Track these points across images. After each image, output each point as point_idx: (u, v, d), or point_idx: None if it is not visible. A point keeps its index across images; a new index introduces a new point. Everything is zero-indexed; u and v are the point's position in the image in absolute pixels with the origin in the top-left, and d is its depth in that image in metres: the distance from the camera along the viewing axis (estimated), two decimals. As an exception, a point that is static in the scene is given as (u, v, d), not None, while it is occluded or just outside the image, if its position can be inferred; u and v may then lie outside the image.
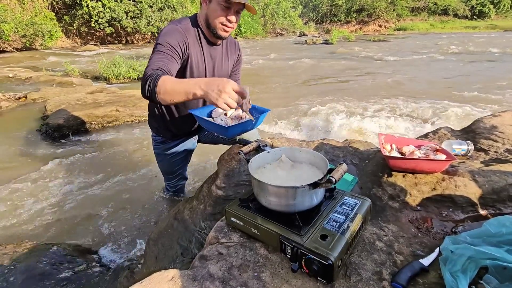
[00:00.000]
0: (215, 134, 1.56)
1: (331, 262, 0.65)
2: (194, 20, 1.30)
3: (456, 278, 0.65)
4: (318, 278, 0.69)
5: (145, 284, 0.66)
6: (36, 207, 1.92)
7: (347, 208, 0.81)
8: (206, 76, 1.36)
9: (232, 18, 1.21)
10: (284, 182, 0.84)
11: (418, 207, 1.01)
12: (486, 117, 1.59)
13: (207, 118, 1.23)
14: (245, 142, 1.31)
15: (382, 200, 1.03)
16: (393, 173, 1.13)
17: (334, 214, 0.79)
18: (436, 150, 1.18)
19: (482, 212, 0.98)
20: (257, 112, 1.31)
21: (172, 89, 0.98)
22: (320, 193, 0.79)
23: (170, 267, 1.03)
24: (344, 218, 0.77)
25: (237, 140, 1.32)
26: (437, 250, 0.80)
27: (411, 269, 0.72)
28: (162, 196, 1.98)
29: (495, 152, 1.31)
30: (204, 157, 2.54)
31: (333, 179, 0.69)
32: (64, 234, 1.64)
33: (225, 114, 1.33)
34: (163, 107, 1.42)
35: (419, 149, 1.22)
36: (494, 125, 1.46)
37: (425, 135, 1.61)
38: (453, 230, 0.91)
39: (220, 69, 1.42)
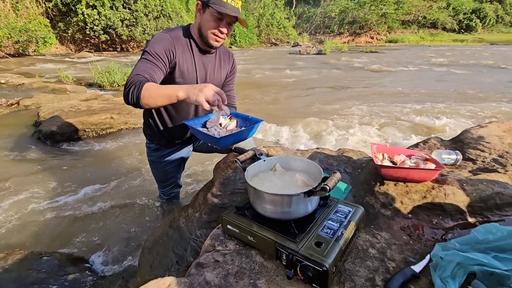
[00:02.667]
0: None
1: (325, 269, 0.66)
2: (186, 29, 1.34)
3: (446, 284, 0.67)
4: (313, 284, 0.70)
5: (142, 291, 0.66)
6: (27, 215, 1.89)
7: (340, 215, 0.84)
8: (197, 83, 1.38)
9: (224, 29, 1.25)
10: (279, 190, 0.86)
11: (409, 215, 1.03)
12: (474, 128, 1.65)
13: (199, 128, 1.25)
14: (241, 151, 1.33)
15: (374, 208, 1.06)
16: (385, 181, 1.16)
17: (328, 221, 0.81)
18: (426, 160, 1.22)
19: (471, 219, 1.01)
20: (251, 122, 1.34)
21: (156, 93, 1.07)
22: (314, 200, 0.82)
23: (165, 275, 1.02)
24: (338, 225, 0.79)
25: (233, 148, 1.34)
26: (427, 256, 0.82)
27: (403, 276, 0.74)
28: (156, 203, 1.97)
29: (482, 161, 1.36)
30: (198, 165, 2.55)
31: (327, 187, 0.71)
32: (55, 243, 1.61)
33: (220, 124, 1.36)
34: (156, 115, 1.44)
35: (409, 159, 1.26)
36: (481, 136, 1.52)
37: (416, 145, 1.65)
38: (443, 237, 0.94)
39: (213, 77, 1.44)
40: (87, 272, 1.29)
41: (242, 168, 0.91)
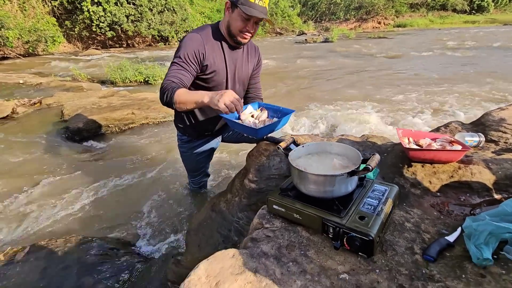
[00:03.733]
0: (240, 134, 1.66)
1: (371, 238, 0.75)
2: (215, 27, 1.41)
3: (480, 250, 0.75)
4: (359, 253, 0.79)
5: (211, 261, 0.76)
6: (75, 206, 2.06)
7: (378, 194, 0.92)
8: (227, 79, 1.46)
9: (251, 28, 1.33)
10: (320, 171, 0.95)
11: (438, 193, 1.11)
12: (495, 111, 1.69)
13: (237, 121, 1.33)
14: (273, 140, 1.41)
15: (404, 188, 1.13)
16: (412, 163, 1.23)
17: (368, 199, 0.89)
18: (451, 142, 1.29)
19: (497, 196, 1.08)
20: (282, 113, 1.41)
21: (185, 99, 1.22)
22: (354, 181, 0.90)
23: (214, 252, 1.13)
24: (377, 202, 0.88)
25: (265, 138, 1.43)
26: (459, 229, 0.90)
27: (439, 244, 0.82)
28: (187, 191, 2.09)
29: (504, 143, 1.41)
30: (223, 155, 2.65)
31: (370, 167, 0.79)
32: (103, 229, 1.75)
33: (252, 116, 1.44)
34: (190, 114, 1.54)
35: (434, 142, 1.32)
36: (502, 118, 1.56)
37: (437, 129, 1.71)
38: (472, 212, 1.01)
39: (241, 72, 1.52)
40: (135, 255, 1.42)
41: (285, 154, 0.99)
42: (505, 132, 1.46)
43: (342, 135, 1.65)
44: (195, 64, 1.34)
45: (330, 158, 1.01)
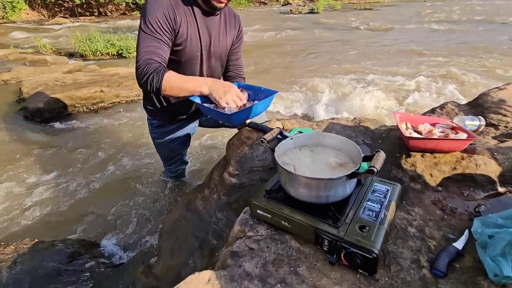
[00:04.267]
0: None
1: (375, 255, 0.62)
2: None
3: (498, 263, 0.64)
4: (359, 270, 0.66)
5: (181, 289, 0.61)
6: (31, 202, 1.80)
7: (379, 195, 0.79)
8: (202, 53, 1.23)
9: None
10: (312, 170, 0.80)
11: (439, 188, 1.00)
12: (493, 91, 1.58)
13: (208, 105, 1.14)
14: (256, 126, 1.24)
15: (403, 182, 1.01)
16: (411, 153, 1.11)
17: (368, 202, 0.76)
18: (453, 128, 1.17)
19: (501, 189, 0.98)
20: (264, 94, 1.23)
21: (177, 86, 1.04)
22: (353, 182, 0.76)
23: (189, 260, 1.00)
24: (379, 206, 0.75)
25: (247, 123, 1.25)
26: (466, 232, 0.79)
27: (448, 255, 0.72)
28: (163, 181, 1.90)
29: (504, 127, 1.31)
30: (204, 138, 2.45)
31: (375, 169, 0.65)
32: (65, 229, 1.55)
33: None
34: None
35: (434, 128, 1.20)
36: (502, 99, 1.45)
37: (432, 111, 1.59)
38: (476, 209, 0.91)
39: (218, 44, 1.29)
40: (102, 259, 1.26)
41: (270, 149, 0.83)
42: (505, 115, 1.36)
43: (333, 119, 1.50)
44: (169, 32, 1.10)
45: (324, 153, 0.86)
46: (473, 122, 1.28)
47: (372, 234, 0.66)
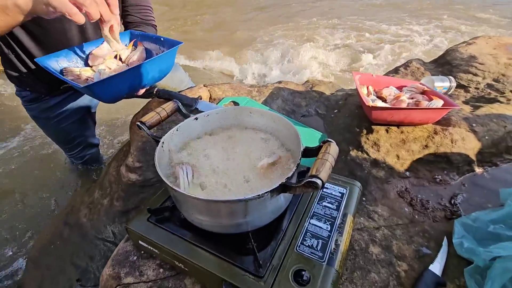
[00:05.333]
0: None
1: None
2: None
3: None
4: None
5: None
6: None
7: (329, 206, 0.51)
8: None
9: None
10: (223, 175, 0.48)
11: (407, 173, 0.76)
12: (461, 46, 1.36)
13: (54, 70, 0.72)
14: (168, 95, 0.87)
15: (363, 168, 0.76)
16: (373, 127, 0.85)
17: (312, 221, 0.48)
18: (424, 92, 0.92)
19: (478, 170, 0.78)
20: (164, 45, 0.83)
21: None
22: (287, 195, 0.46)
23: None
24: (328, 227, 0.47)
25: (154, 92, 0.87)
26: (444, 243, 0.57)
27: (425, 286, 0.48)
28: (67, 173, 1.43)
29: (475, 88, 1.11)
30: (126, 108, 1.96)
31: (319, 182, 0.35)
32: None
33: (116, 57, 0.83)
34: (15, 43, 0.84)
35: (401, 92, 0.95)
36: (472, 55, 1.24)
37: (395, 70, 1.34)
38: (453, 201, 0.70)
39: None
40: None
41: (153, 139, 0.48)
42: (475, 75, 1.15)
43: (280, 82, 1.17)
44: None
45: (247, 142, 0.54)
46: (443, 84, 1.04)
47: (316, 286, 0.39)
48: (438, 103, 0.78)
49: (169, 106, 0.53)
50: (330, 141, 0.41)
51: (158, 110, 0.52)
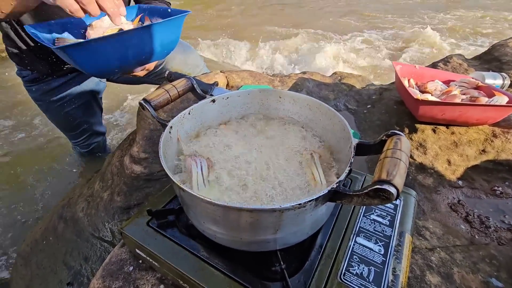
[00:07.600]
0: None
1: None
2: None
3: None
4: None
5: None
6: None
7: (380, 219, 0.39)
8: None
9: None
10: (250, 173, 0.37)
11: (460, 182, 0.64)
12: (510, 41, 1.20)
13: (42, 38, 0.61)
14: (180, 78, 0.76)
15: (407, 174, 0.63)
16: (417, 125, 0.72)
17: (358, 240, 0.36)
18: (477, 87, 0.78)
19: (546, 183, 0.64)
20: (167, 15, 0.72)
21: None
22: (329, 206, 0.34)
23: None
24: (382, 249, 0.35)
25: (166, 75, 0.77)
26: (520, 273, 0.45)
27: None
28: (73, 159, 1.36)
29: (531, 88, 0.95)
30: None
31: (394, 191, 0.23)
32: None
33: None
34: (14, 23, 0.77)
35: (449, 87, 0.81)
36: (525, 51, 1.08)
37: (433, 65, 1.19)
38: (520, 221, 0.56)
39: None
40: None
41: (159, 122, 0.38)
42: (531, 72, 0.99)
43: (304, 72, 1.06)
44: None
45: (280, 135, 0.44)
46: (495, 81, 0.90)
47: (370, 335, 0.27)
48: (502, 99, 0.65)
49: (181, 83, 0.43)
50: (399, 134, 0.30)
51: (167, 87, 0.42)
